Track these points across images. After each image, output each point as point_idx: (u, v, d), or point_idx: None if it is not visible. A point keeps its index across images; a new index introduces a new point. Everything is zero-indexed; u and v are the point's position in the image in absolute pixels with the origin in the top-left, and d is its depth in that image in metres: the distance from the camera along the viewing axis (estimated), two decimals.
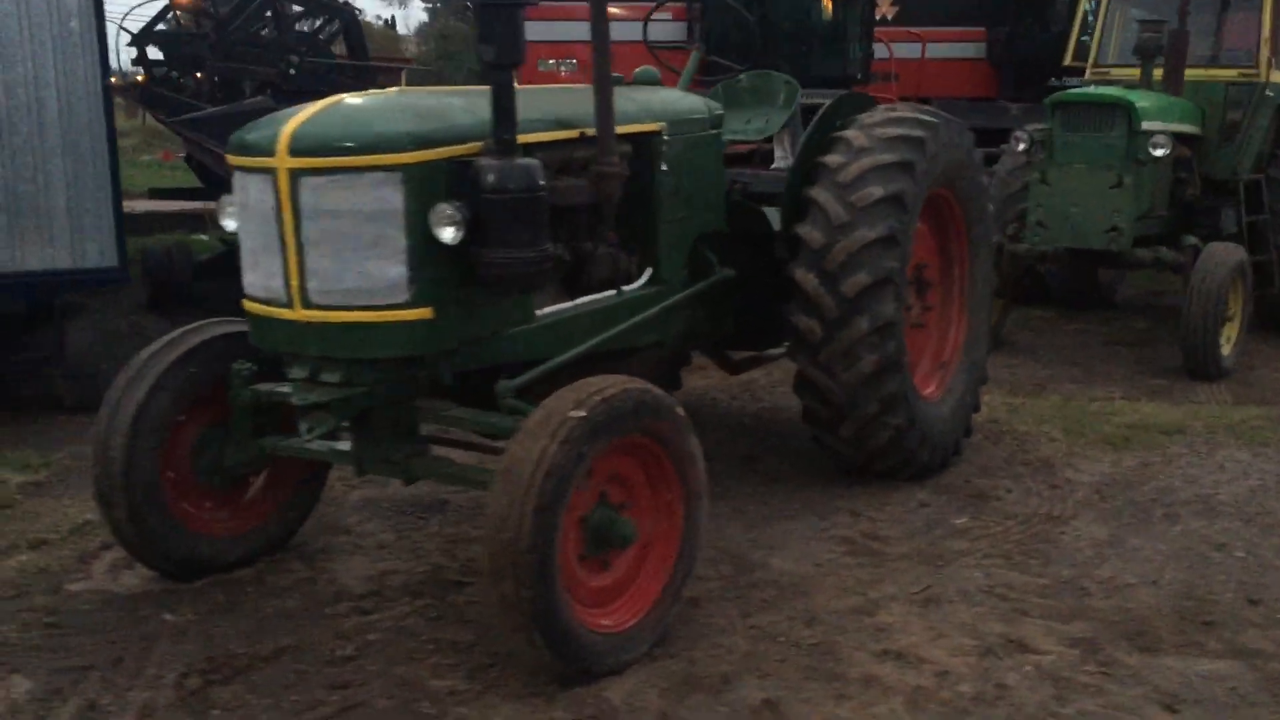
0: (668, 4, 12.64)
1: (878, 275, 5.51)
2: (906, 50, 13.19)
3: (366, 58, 10.61)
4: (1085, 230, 8.79)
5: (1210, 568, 5.05)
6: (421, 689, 4.01)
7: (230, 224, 4.50)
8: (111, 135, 7.35)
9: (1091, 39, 10.82)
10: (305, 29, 9.87)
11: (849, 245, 5.51)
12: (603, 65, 4.45)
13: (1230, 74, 9.93)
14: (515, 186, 4.06)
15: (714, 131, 5.70)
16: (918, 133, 5.80)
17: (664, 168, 5.23)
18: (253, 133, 4.25)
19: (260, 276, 4.25)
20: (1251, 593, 4.78)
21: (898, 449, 5.84)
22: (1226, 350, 8.73)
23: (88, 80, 7.20)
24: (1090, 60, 10.50)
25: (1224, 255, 8.62)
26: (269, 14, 9.00)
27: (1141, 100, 8.78)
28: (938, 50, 13.86)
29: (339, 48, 10.65)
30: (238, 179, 4.29)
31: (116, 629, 4.47)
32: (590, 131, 4.62)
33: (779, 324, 5.91)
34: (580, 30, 12.44)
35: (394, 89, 4.74)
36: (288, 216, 4.07)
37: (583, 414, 3.86)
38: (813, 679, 4.06)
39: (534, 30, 12.38)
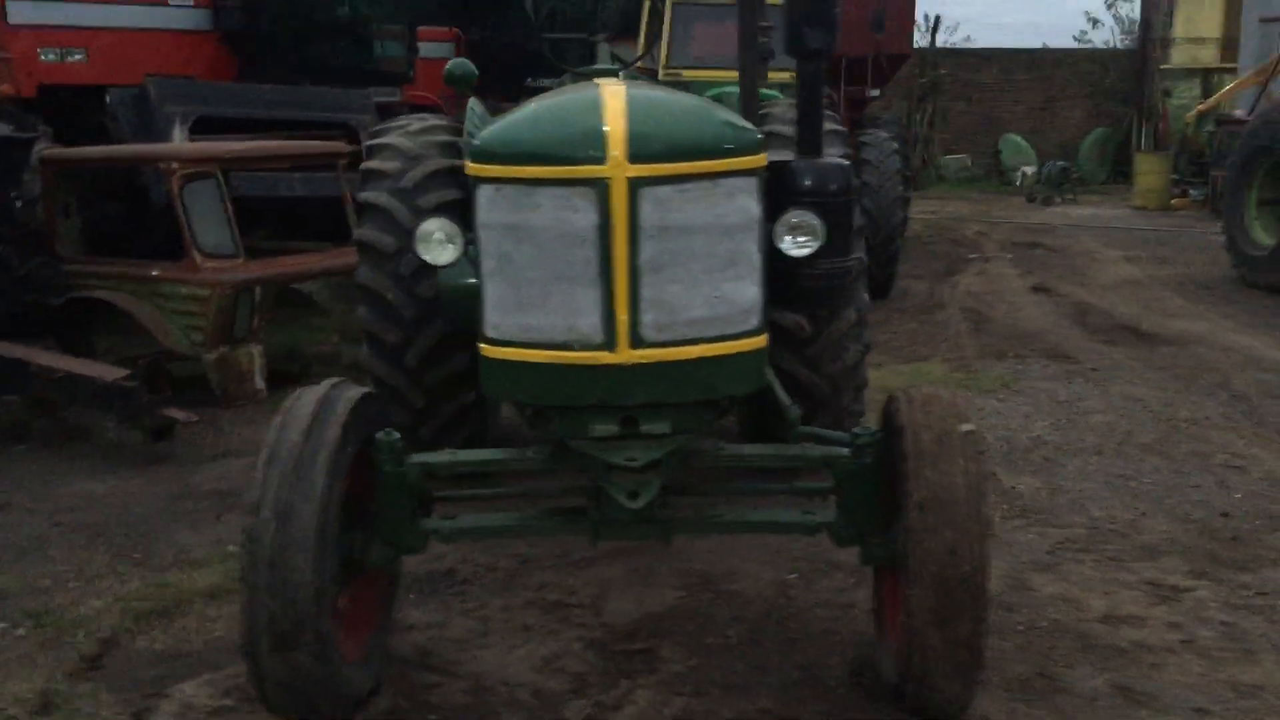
0: None
1: (858, 265, 5.60)
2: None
3: None
4: None
5: (1150, 495, 5.87)
6: None
7: (445, 255, 3.52)
8: None
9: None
10: None
11: None
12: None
13: (785, 76, 11.07)
14: (837, 188, 3.66)
15: None
16: None
17: None
18: (540, 133, 3.36)
19: (552, 316, 3.38)
20: (1218, 509, 5.67)
21: None
22: None
23: None
24: (662, 62, 11.10)
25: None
26: None
27: None
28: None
29: None
30: (509, 195, 3.36)
31: None
32: None
33: None
34: (91, 15, 10.65)
35: (617, 81, 3.93)
36: (620, 237, 3.30)
37: (973, 427, 3.63)
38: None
39: (20, 12, 10.34)
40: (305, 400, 3.63)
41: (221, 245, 7.65)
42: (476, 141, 3.45)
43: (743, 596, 4.67)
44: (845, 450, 3.82)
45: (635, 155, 3.27)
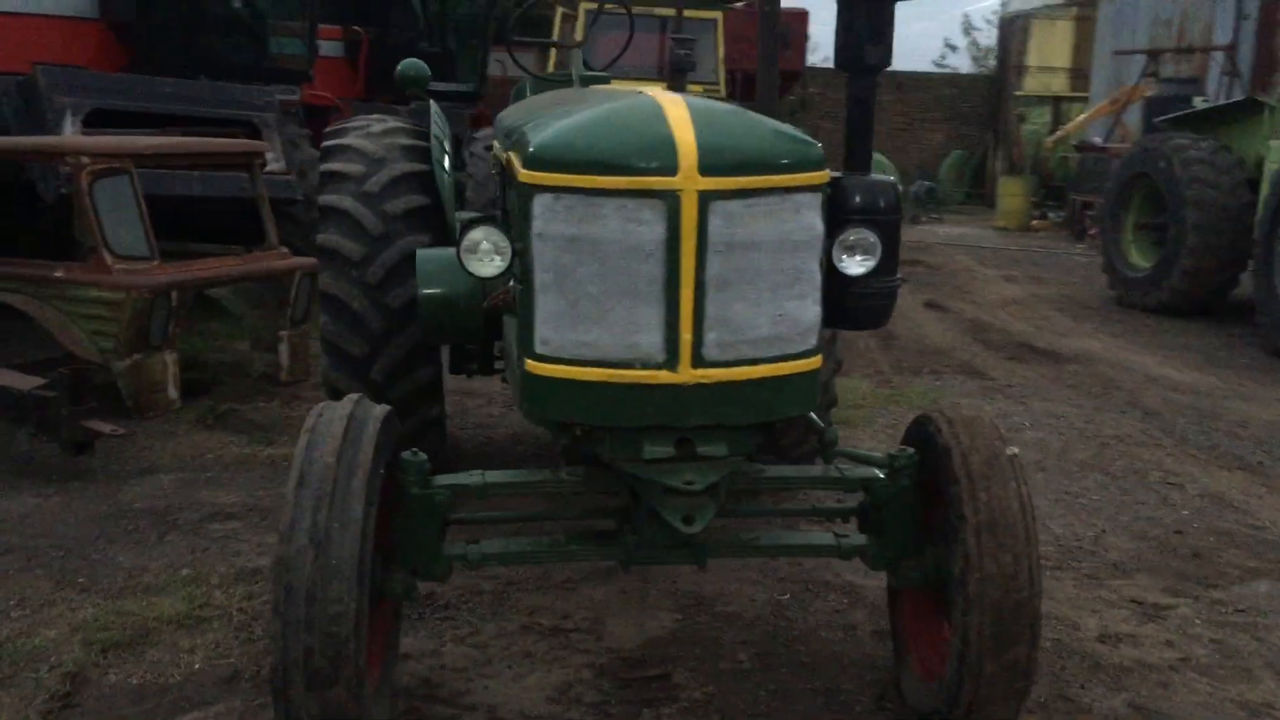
0: None
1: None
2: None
3: None
4: None
5: (1102, 512, 5.99)
6: None
7: (492, 267, 3.32)
8: None
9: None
10: None
11: None
12: None
13: (698, 89, 11.08)
14: (887, 205, 3.60)
15: None
16: None
17: None
18: (606, 141, 3.18)
19: (611, 333, 3.21)
20: (1170, 526, 5.81)
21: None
22: None
23: None
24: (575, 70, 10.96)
25: None
26: None
27: None
28: None
29: None
30: (570, 205, 3.17)
31: None
32: None
33: None
34: None
35: (662, 90, 3.75)
36: (688, 252, 3.16)
37: (1016, 450, 3.60)
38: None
39: None
40: (331, 419, 3.39)
41: (135, 247, 7.21)
42: (531, 148, 3.25)
43: (741, 619, 4.57)
44: (881, 473, 3.75)
45: (706, 167, 3.13)
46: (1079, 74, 27.59)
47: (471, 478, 3.62)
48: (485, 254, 3.33)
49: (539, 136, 3.29)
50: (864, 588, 4.85)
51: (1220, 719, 3.96)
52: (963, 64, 35.10)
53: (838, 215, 3.54)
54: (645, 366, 3.22)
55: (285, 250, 8.22)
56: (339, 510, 3.19)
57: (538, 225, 3.22)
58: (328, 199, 5.33)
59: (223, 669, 4.07)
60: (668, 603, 4.68)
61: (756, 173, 3.20)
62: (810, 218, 3.31)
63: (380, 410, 3.50)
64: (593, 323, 3.22)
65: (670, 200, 3.13)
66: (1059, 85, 28.23)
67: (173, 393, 7.32)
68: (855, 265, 3.47)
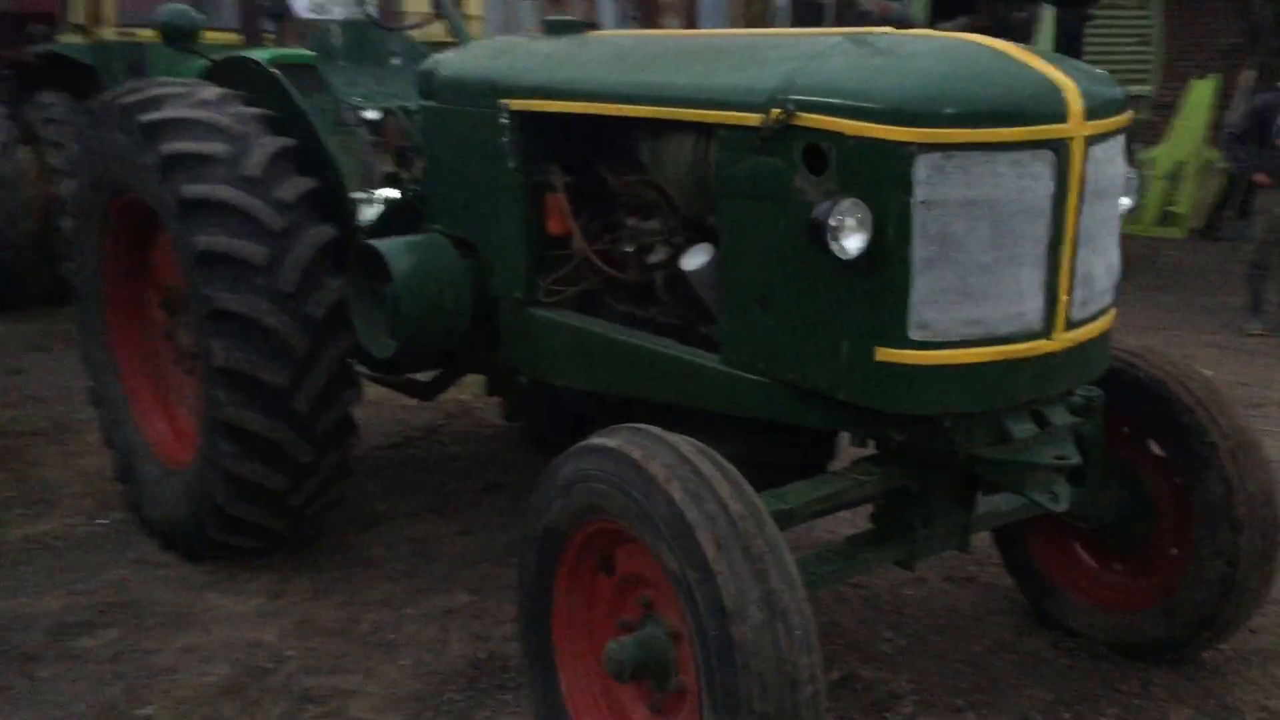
0: None
1: None
2: None
3: None
4: None
5: None
6: None
7: (854, 242, 2.74)
8: None
9: None
10: None
11: None
12: None
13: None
14: None
15: None
16: None
17: None
18: (990, 88, 2.75)
19: (999, 305, 2.83)
20: None
21: None
22: None
23: None
24: (110, 21, 9.22)
25: None
26: None
27: None
28: None
29: None
30: (964, 164, 2.72)
31: None
32: None
33: None
34: None
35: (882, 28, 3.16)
36: (1073, 204, 2.87)
37: (1210, 373, 3.70)
38: None
39: None
40: (683, 460, 2.67)
41: None
42: (895, 103, 2.70)
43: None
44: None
45: (1090, 111, 2.85)
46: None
47: (787, 499, 3.02)
48: (851, 230, 2.74)
49: (901, 91, 2.75)
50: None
51: None
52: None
53: None
54: (1028, 338, 2.90)
55: None
56: (775, 570, 2.55)
57: (923, 191, 2.75)
58: (195, 190, 4.11)
59: None
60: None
61: (1116, 114, 3.02)
62: (1123, 159, 3.14)
63: (659, 430, 2.83)
64: (982, 296, 2.83)
65: (1061, 150, 2.84)
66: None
67: None
68: (1126, 201, 3.33)
